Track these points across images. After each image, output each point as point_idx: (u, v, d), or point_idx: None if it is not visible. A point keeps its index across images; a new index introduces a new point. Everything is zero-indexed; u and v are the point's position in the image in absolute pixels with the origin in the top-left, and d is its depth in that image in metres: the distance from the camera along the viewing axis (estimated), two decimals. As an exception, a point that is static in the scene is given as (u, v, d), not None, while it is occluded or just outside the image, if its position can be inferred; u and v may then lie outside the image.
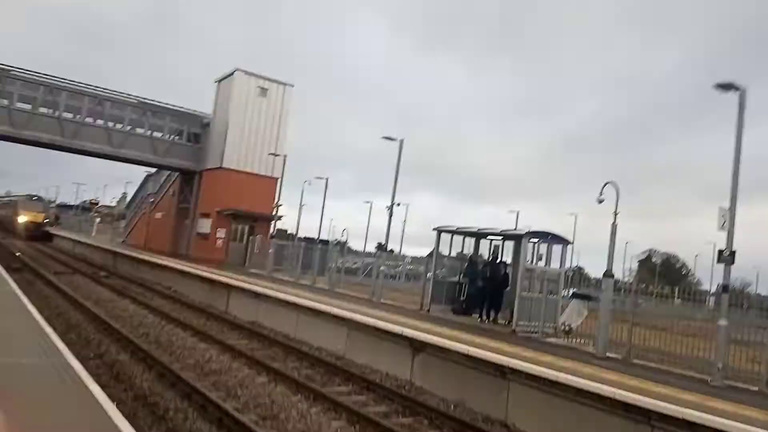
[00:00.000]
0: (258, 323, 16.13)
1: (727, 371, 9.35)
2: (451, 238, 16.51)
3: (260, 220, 32.10)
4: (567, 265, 15.47)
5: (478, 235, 16.17)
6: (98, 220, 58.76)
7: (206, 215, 32.83)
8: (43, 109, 30.04)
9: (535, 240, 14.36)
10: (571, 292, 15.22)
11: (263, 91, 32.96)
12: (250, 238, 29.85)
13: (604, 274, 11.84)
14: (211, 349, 12.19)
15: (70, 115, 30.54)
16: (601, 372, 8.98)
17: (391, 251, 32.93)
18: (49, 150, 32.43)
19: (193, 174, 34.67)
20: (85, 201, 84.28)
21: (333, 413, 8.45)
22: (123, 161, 34.63)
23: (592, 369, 9.25)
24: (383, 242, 28.82)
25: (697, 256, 63.85)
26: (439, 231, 16.31)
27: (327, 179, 35.47)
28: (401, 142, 23.43)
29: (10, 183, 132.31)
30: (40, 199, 60.30)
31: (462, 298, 15.76)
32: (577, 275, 21.80)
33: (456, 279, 16.33)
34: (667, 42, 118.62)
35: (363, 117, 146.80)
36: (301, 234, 36.36)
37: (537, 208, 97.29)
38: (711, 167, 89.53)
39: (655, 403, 7.25)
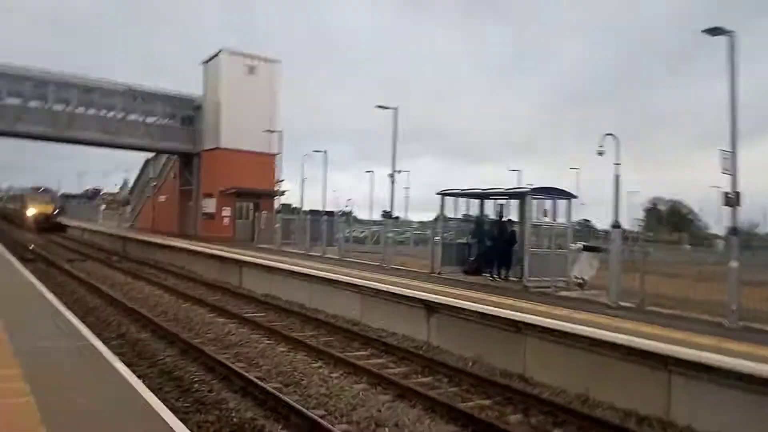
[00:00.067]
0: (272, 295, 16.32)
1: (741, 313, 9.39)
2: (456, 201, 16.55)
3: (264, 196, 32.15)
4: (573, 218, 15.47)
5: (482, 196, 16.18)
6: (103, 207, 58.97)
7: (209, 195, 32.91)
8: (33, 103, 29.79)
9: (540, 196, 14.38)
10: (580, 245, 15.26)
11: (251, 69, 32.68)
12: (256, 214, 29.96)
13: (612, 225, 11.87)
14: (229, 323, 12.39)
15: (60, 107, 30.28)
16: (615, 321, 9.02)
17: (397, 218, 33.00)
18: (45, 142, 32.37)
19: (191, 156, 34.62)
20: (87, 189, 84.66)
21: (354, 377, 8.61)
22: (120, 148, 34.59)
23: (607, 319, 9.28)
24: (388, 210, 28.94)
25: (701, 208, 63.32)
26: (443, 195, 16.31)
27: (326, 152, 35.85)
28: (396, 110, 23.27)
29: (11, 176, 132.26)
30: (47, 190, 60.38)
31: (471, 259, 15.86)
32: (585, 228, 21.82)
33: (464, 240, 16.41)
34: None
35: (354, 89, 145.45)
36: (306, 207, 36.56)
37: (538, 166, 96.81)
38: (709, 112, 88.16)
39: (671, 348, 7.28)
